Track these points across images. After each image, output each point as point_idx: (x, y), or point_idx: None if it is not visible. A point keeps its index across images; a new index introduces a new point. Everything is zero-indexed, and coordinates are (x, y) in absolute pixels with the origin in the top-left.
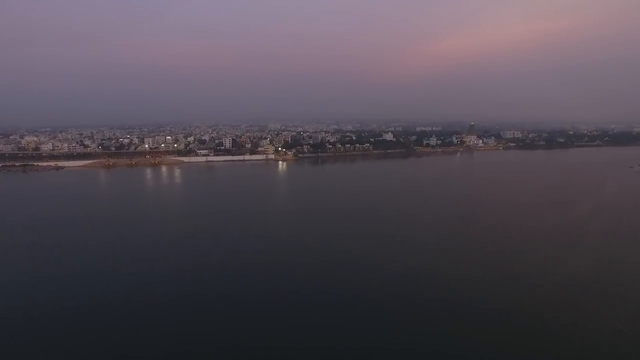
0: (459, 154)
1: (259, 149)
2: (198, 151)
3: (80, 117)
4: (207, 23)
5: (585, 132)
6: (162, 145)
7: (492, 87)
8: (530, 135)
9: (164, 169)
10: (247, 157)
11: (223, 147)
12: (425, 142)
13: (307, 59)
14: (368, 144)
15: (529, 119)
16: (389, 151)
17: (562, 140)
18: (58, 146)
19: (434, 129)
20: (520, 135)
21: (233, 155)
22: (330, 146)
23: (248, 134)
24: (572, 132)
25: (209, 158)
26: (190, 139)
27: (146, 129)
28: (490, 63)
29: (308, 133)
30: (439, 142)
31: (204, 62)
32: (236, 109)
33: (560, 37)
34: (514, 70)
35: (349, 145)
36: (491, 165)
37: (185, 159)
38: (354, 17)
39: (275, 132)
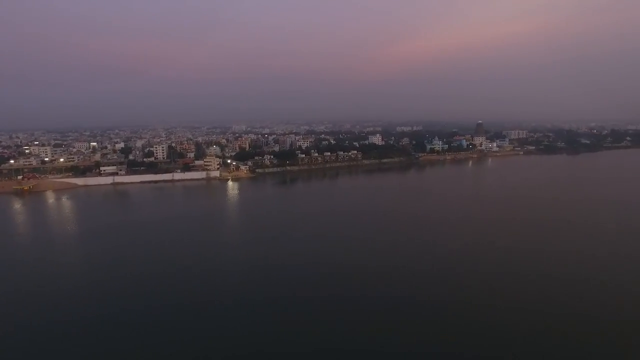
0: (471, 162)
1: (197, 162)
2: (102, 168)
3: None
4: (177, 19)
5: (588, 131)
6: (47, 159)
7: (471, 85)
8: (535, 136)
9: (47, 197)
10: (179, 175)
11: (153, 159)
12: (429, 146)
13: (279, 55)
14: (355, 152)
15: (512, 117)
16: (384, 161)
17: (587, 142)
18: None
19: (415, 128)
20: (525, 136)
21: (156, 173)
22: (303, 155)
23: (203, 137)
24: (574, 130)
25: (118, 178)
26: (120, 145)
27: (88, 133)
28: (467, 60)
29: (274, 136)
30: (445, 145)
31: (176, 61)
32: (204, 108)
33: (536, 35)
34: (494, 67)
35: (328, 153)
36: (571, 187)
37: (80, 180)
38: (332, 9)
39: (235, 136)
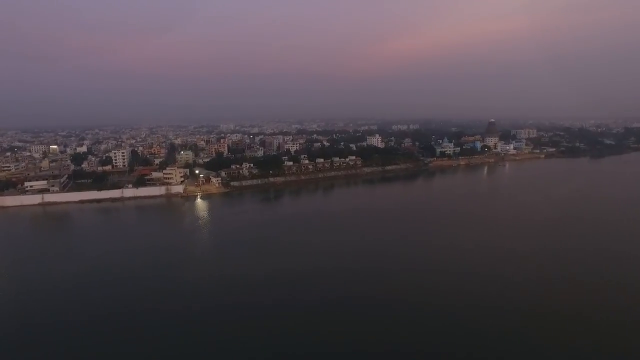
0: (488, 167)
1: (155, 174)
2: (28, 184)
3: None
4: (169, 15)
5: (595, 129)
6: None
7: (465, 82)
8: (548, 136)
9: None
10: (130, 191)
11: (110, 167)
12: (438, 150)
13: (270, 50)
14: (354, 158)
15: (507, 113)
16: (387, 168)
17: (611, 142)
18: None
19: (412, 127)
20: (535, 135)
21: (102, 189)
22: (290, 162)
23: (186, 137)
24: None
25: (49, 197)
26: (83, 148)
27: (64, 133)
28: (460, 57)
29: (261, 137)
30: (457, 148)
31: (167, 58)
32: (195, 106)
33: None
34: (487, 64)
35: (321, 159)
36: None
37: None
38: (324, 3)
39: (217, 137)
